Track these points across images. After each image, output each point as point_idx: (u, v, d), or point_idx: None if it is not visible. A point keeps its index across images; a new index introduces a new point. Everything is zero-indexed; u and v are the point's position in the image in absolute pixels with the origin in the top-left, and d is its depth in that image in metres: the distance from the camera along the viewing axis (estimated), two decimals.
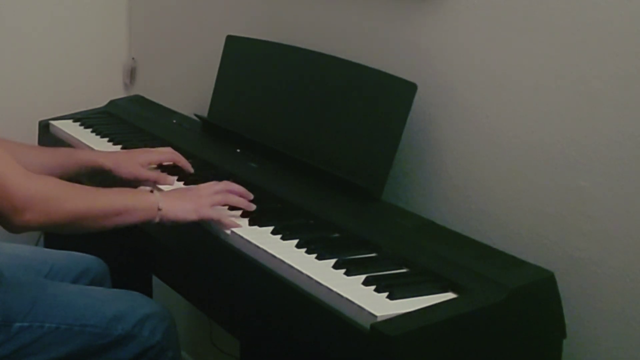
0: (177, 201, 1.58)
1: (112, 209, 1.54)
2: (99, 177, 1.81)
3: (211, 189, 1.62)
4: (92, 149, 2.08)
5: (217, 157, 1.98)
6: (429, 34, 1.75)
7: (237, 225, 1.57)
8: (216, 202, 1.60)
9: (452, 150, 1.71)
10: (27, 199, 1.45)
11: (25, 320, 1.58)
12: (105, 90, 2.77)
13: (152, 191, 1.62)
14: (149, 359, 1.68)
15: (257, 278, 1.49)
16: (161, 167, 1.88)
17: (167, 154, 1.87)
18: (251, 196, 1.65)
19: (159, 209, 1.56)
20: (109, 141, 2.15)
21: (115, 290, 1.80)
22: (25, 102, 2.71)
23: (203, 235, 1.62)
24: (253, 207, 1.62)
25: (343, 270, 1.40)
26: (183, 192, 1.65)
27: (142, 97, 2.61)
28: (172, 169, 1.88)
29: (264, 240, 1.52)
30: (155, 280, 2.35)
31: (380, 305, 1.27)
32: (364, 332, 1.24)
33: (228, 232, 1.56)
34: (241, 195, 1.64)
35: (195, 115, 2.23)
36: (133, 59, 2.90)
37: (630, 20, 1.39)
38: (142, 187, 1.74)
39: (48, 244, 2.28)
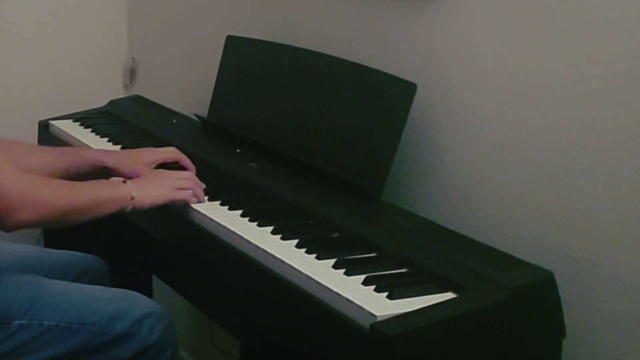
0: (148, 188, 1.67)
1: (94, 202, 1.60)
2: (102, 175, 1.82)
3: (177, 174, 1.74)
4: (93, 149, 2.08)
5: (217, 157, 1.97)
6: (429, 34, 1.75)
7: (203, 202, 1.69)
8: (183, 186, 1.69)
9: (452, 150, 1.71)
10: (18, 198, 1.49)
11: (24, 318, 1.58)
12: (105, 90, 2.77)
13: (124, 181, 1.67)
14: (148, 358, 1.67)
15: (257, 278, 1.49)
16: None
17: (170, 153, 1.90)
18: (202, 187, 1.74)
19: (132, 198, 1.62)
20: (108, 141, 2.15)
21: (114, 289, 1.79)
22: (25, 102, 2.71)
23: (203, 235, 1.62)
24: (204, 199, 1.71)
25: (343, 270, 1.40)
26: (152, 178, 1.73)
27: (142, 97, 2.61)
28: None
29: (264, 240, 1.52)
30: (155, 280, 2.35)
31: (380, 305, 1.27)
32: (364, 332, 1.24)
33: (228, 232, 1.56)
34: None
35: (195, 115, 2.23)
36: (133, 59, 2.90)
37: (630, 20, 1.39)
38: (113, 178, 1.78)
39: (48, 244, 2.28)
